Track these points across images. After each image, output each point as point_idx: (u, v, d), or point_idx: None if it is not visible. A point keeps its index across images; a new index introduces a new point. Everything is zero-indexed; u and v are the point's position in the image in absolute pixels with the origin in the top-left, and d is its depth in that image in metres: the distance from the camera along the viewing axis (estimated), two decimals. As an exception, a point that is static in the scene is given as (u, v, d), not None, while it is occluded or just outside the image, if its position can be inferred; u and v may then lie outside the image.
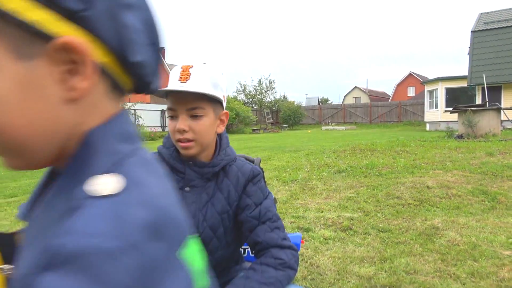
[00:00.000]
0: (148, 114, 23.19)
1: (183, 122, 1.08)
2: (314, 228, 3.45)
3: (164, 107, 25.82)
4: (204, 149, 1.13)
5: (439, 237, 3.09)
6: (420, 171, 5.86)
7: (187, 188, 1.14)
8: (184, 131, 1.08)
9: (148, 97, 29.11)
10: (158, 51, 0.47)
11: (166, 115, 1.16)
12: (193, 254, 0.41)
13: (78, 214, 0.33)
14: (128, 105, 19.15)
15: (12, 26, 0.34)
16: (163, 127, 24.70)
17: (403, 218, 3.65)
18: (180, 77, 1.06)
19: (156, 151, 1.22)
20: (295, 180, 5.71)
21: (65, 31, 0.36)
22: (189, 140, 1.09)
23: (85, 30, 0.37)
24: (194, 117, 1.08)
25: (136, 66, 0.42)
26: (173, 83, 1.07)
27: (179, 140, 1.09)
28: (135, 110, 20.73)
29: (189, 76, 1.06)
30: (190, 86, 1.05)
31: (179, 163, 1.15)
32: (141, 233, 0.33)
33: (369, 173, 5.89)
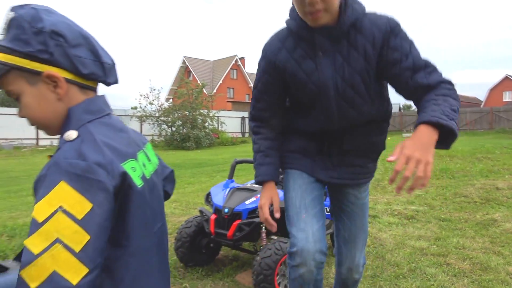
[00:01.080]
0: (230, 120, 24.85)
1: None
2: (381, 216, 4.04)
3: (244, 114, 26.98)
4: (334, 14, 1.12)
5: (494, 227, 3.48)
6: (496, 175, 5.98)
7: (320, 53, 1.15)
8: (315, 3, 1.08)
9: (229, 105, 31.00)
10: (102, 64, 0.89)
11: None
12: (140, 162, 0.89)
13: (59, 150, 0.79)
14: (212, 112, 20.85)
15: (26, 72, 0.81)
16: (243, 133, 26.22)
17: (465, 212, 4.05)
18: None
19: (233, 160, 1.75)
20: (368, 180, 6.22)
21: (45, 68, 0.81)
22: (319, 11, 1.09)
23: (54, 66, 0.82)
24: None
25: (89, 75, 0.87)
26: None
27: (309, 13, 1.10)
28: (218, 117, 22.47)
29: None
30: None
31: (306, 31, 1.15)
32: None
33: (442, 176, 6.17)
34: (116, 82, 0.95)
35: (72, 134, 0.81)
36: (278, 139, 1.38)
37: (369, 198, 5.08)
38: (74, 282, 0.67)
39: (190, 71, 41.27)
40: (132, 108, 23.90)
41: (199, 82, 23.42)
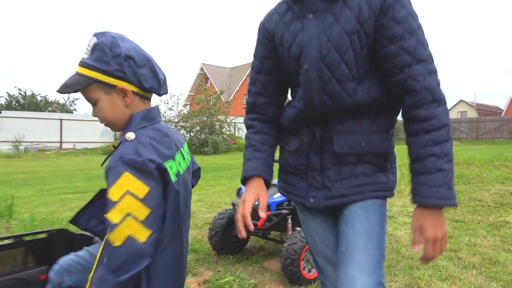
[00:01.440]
0: (246, 126, 25.25)
1: None
2: (397, 216, 4.25)
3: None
4: None
5: (506, 228, 3.66)
6: (512, 182, 6.09)
7: (309, 16, 1.05)
8: None
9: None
10: (159, 80, 1.17)
11: None
12: (177, 161, 1.15)
13: (121, 146, 1.07)
14: (230, 118, 21.26)
15: (104, 84, 1.10)
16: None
17: (479, 215, 4.22)
18: None
19: None
20: (385, 185, 6.41)
21: (119, 83, 1.09)
22: None
23: (126, 81, 1.10)
24: None
25: (147, 89, 1.14)
26: None
27: None
28: (235, 123, 22.87)
29: None
30: None
31: None
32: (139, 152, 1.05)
33: (457, 182, 6.31)
34: (166, 93, 1.24)
35: (131, 135, 1.09)
36: (272, 135, 1.23)
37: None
38: (142, 240, 0.99)
39: (207, 78, 41.96)
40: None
41: (216, 88, 23.91)
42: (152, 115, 1.16)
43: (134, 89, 1.12)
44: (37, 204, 5.72)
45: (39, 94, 30.84)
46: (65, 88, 1.11)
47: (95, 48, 1.10)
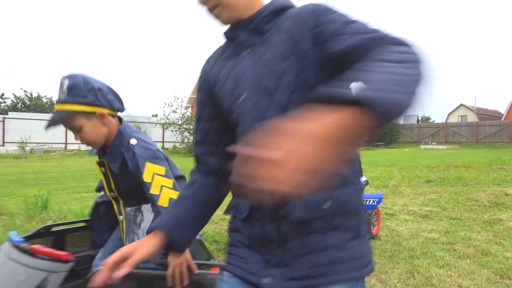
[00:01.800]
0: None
1: None
2: (398, 214, 4.55)
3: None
4: (239, 7, 0.98)
5: (499, 225, 3.97)
6: (507, 183, 6.39)
7: (244, 53, 1.00)
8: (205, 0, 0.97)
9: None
10: (121, 101, 1.56)
11: None
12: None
13: (132, 150, 1.49)
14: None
15: (86, 113, 1.42)
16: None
17: (475, 213, 4.53)
18: None
19: None
20: (386, 186, 6.72)
21: (98, 109, 1.44)
22: (214, 7, 0.98)
23: (101, 107, 1.45)
24: None
25: (116, 109, 1.52)
26: None
27: (208, 12, 1.01)
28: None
29: None
30: None
31: (230, 30, 1.04)
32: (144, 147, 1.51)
33: (455, 183, 6.62)
34: (124, 109, 1.59)
35: (133, 141, 1.47)
36: (206, 187, 1.09)
37: (387, 201, 5.60)
38: (175, 197, 1.37)
39: (210, 81, 42.16)
40: (152, 116, 24.86)
41: (220, 91, 24.20)
42: (127, 124, 1.54)
43: (108, 111, 1.47)
44: (56, 202, 6.01)
45: (45, 96, 31.34)
46: (53, 124, 1.40)
47: (72, 88, 1.40)
